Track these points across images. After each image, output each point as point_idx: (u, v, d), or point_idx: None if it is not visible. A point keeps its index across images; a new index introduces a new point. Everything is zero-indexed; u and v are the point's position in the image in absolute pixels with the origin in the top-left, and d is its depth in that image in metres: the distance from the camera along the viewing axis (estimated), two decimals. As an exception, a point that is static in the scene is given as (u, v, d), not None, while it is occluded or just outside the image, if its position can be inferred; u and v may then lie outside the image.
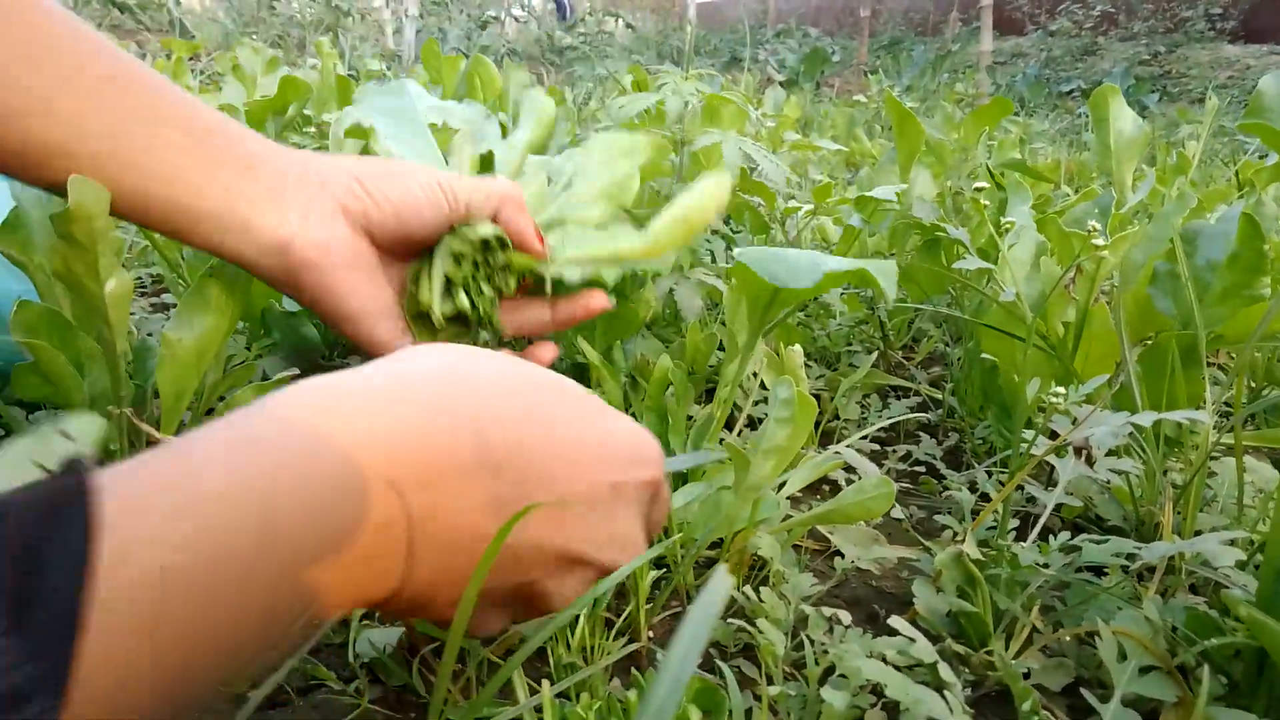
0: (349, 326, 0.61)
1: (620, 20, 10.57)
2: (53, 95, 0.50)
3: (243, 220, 0.57)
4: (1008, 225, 0.77)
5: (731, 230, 1.33)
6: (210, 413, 0.85)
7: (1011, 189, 1.03)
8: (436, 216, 0.60)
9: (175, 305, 1.20)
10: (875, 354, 1.09)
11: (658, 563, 0.76)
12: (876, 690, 0.61)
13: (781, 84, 6.21)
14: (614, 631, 0.68)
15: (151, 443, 0.79)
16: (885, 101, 1.25)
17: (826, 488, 0.98)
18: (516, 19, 9.61)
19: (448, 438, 0.36)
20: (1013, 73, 7.85)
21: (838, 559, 0.77)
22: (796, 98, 4.11)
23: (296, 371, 0.95)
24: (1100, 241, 0.73)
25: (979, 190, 0.78)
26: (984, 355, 0.94)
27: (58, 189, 0.53)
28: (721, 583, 0.21)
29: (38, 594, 0.22)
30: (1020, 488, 0.89)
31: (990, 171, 1.16)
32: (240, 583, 0.28)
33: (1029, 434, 0.77)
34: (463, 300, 0.63)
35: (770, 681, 0.61)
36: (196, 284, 0.77)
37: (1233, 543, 0.65)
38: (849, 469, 0.96)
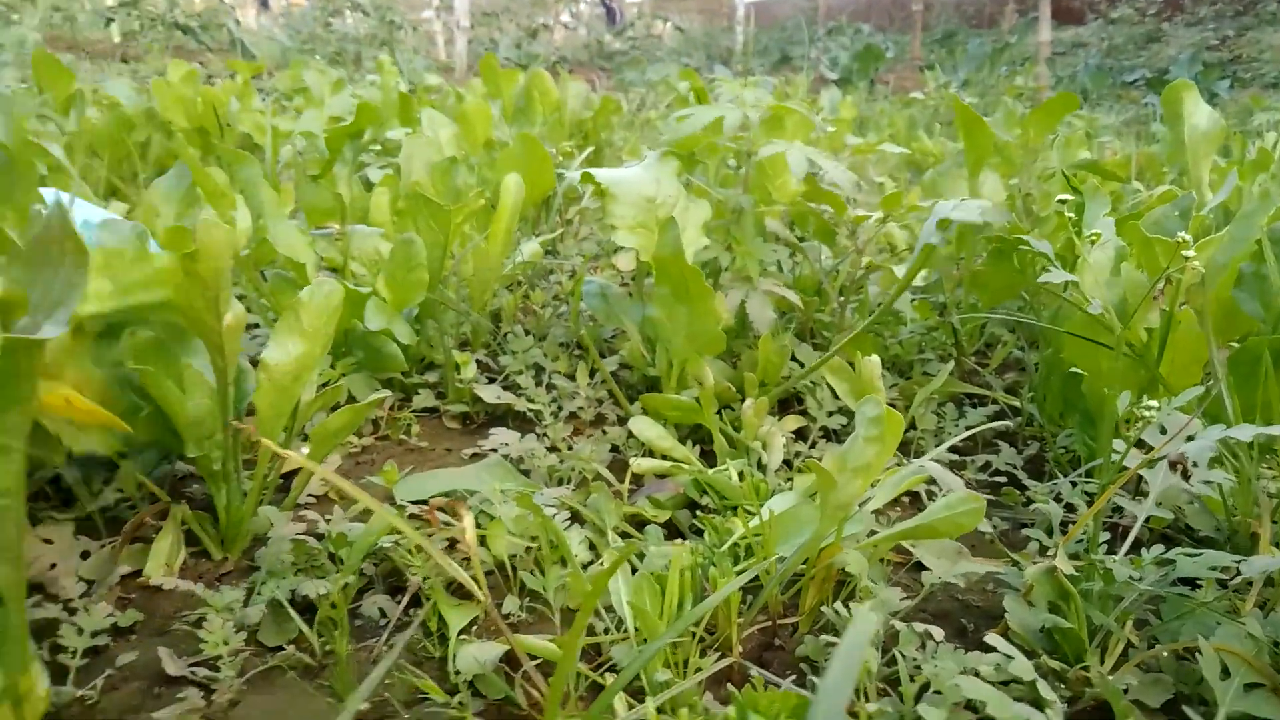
0: None
1: (668, 23, 10.58)
2: None
3: None
4: (1093, 237, 0.76)
5: (798, 237, 1.33)
6: (304, 433, 0.88)
7: (1089, 194, 1.02)
8: None
9: (258, 325, 1.24)
10: (951, 362, 1.08)
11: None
12: (972, 707, 0.61)
13: (835, 82, 6.16)
14: (705, 646, 0.69)
15: (254, 461, 0.83)
16: (953, 106, 1.24)
17: (906, 499, 0.98)
18: (566, 25, 9.68)
19: None
20: (1073, 63, 7.67)
21: (924, 573, 0.77)
22: (851, 96, 4.08)
23: (387, 394, 0.98)
24: (1190, 253, 0.72)
25: (1063, 203, 0.77)
26: (1068, 365, 0.93)
27: None
28: (867, 619, 0.22)
29: None
30: (1106, 498, 0.88)
31: (1066, 176, 1.14)
32: None
33: (1119, 445, 0.76)
34: None
35: (865, 698, 0.62)
36: (289, 308, 0.80)
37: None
38: (931, 479, 0.96)
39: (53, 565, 0.75)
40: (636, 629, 0.67)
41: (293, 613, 0.69)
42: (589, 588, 0.70)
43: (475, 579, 0.63)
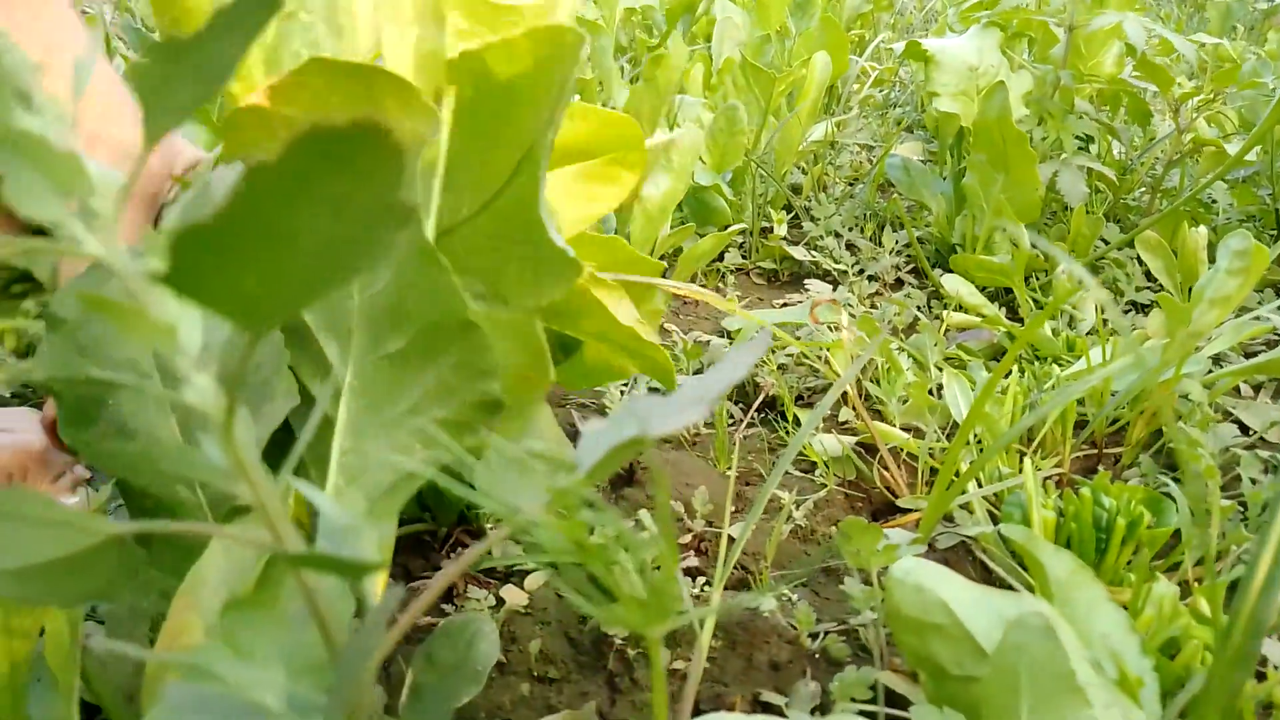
0: None
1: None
2: None
3: None
4: None
5: (1108, 118, 1.30)
6: (663, 260, 1.01)
7: None
8: None
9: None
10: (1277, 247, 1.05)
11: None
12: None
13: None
14: (1033, 457, 0.76)
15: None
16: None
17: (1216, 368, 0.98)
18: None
19: None
20: None
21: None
22: (1136, -3, 3.73)
23: (743, 226, 1.08)
24: None
25: None
26: None
27: None
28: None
29: None
30: None
31: None
32: None
33: None
34: None
35: (1197, 515, 0.67)
36: (662, 149, 0.91)
37: None
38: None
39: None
40: (977, 438, 0.75)
41: (673, 396, 0.83)
42: (930, 400, 0.78)
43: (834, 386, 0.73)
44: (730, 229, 0.93)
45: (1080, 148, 1.29)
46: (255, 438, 0.20)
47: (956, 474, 0.67)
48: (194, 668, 0.20)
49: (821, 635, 0.56)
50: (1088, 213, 1.19)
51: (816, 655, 0.54)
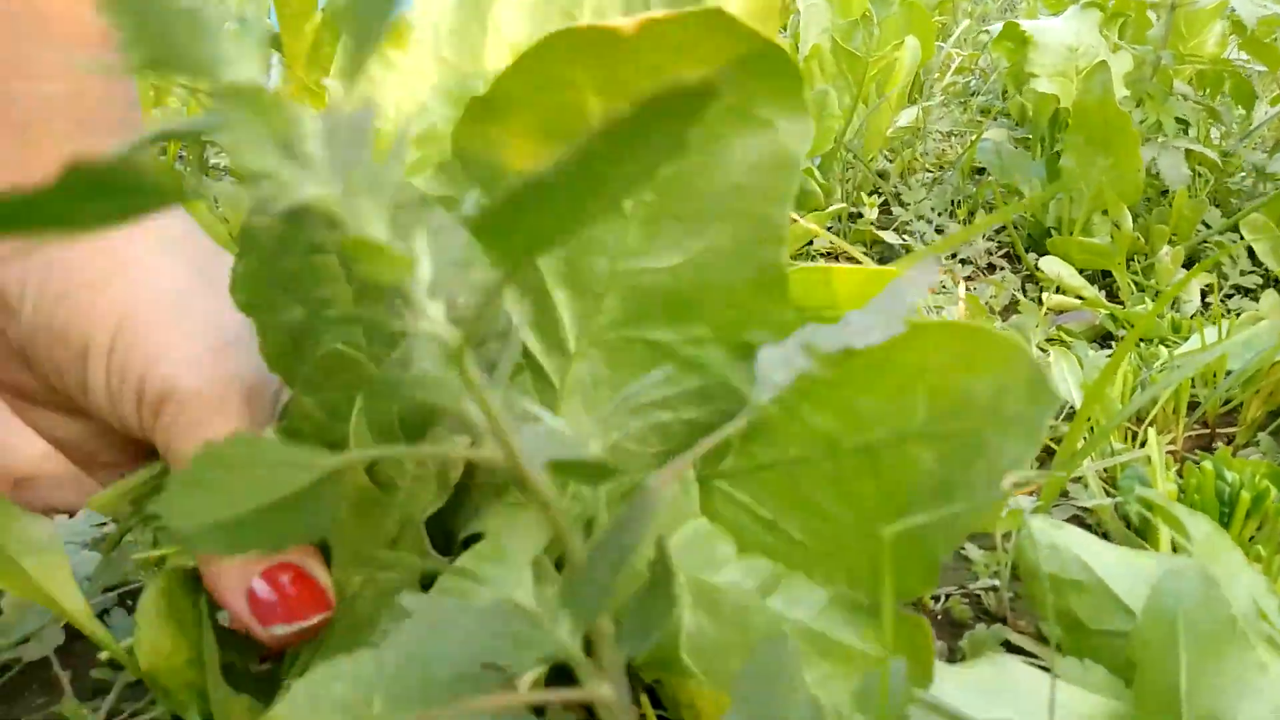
0: None
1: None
2: None
3: None
4: None
5: (1206, 100, 1.28)
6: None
7: None
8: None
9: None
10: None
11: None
12: None
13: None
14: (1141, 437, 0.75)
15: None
16: None
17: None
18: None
19: None
20: None
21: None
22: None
23: (842, 207, 1.08)
24: None
25: None
26: None
27: None
28: None
29: None
30: None
31: None
32: None
33: None
34: None
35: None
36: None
37: None
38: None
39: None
40: (1088, 418, 0.75)
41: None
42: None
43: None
44: (831, 209, 0.94)
45: (1179, 131, 1.27)
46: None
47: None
48: (456, 569, 0.21)
49: (943, 598, 0.56)
50: (1190, 196, 1.16)
51: (939, 617, 0.55)
